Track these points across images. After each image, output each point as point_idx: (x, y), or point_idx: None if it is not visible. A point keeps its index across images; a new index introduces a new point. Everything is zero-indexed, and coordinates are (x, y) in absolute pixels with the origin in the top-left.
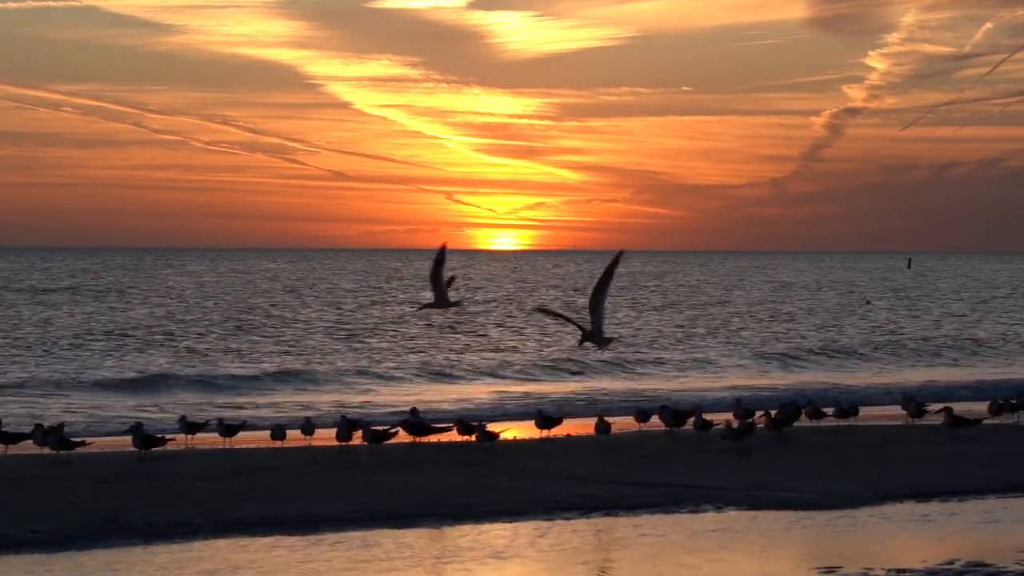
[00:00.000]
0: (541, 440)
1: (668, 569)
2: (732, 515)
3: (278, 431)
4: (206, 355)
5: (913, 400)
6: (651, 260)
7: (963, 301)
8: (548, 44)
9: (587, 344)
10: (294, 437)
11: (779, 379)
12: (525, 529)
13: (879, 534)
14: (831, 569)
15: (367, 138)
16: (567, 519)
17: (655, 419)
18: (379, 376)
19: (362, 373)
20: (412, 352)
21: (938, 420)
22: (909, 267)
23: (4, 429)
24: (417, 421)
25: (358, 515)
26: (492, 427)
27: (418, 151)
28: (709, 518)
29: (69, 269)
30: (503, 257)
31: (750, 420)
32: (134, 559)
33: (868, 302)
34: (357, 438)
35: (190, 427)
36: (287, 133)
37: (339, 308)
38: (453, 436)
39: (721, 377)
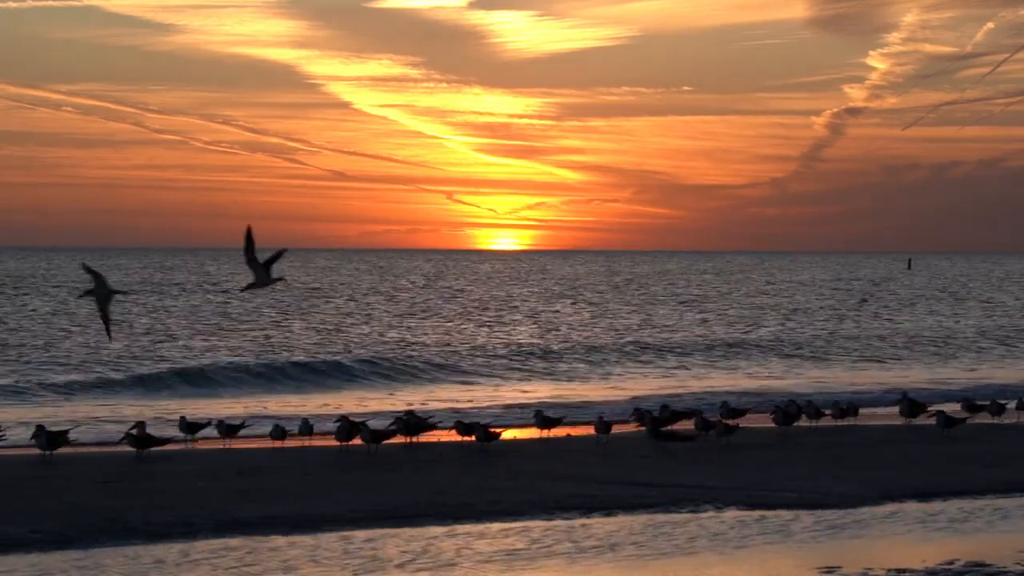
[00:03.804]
0: (541, 440)
1: (668, 569)
2: (732, 515)
3: (278, 431)
4: None
5: (907, 400)
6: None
7: None
8: (548, 44)
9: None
10: (294, 437)
11: None
12: (525, 529)
13: (879, 534)
14: (831, 569)
15: (367, 138)
16: (567, 519)
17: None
18: None
19: None
20: None
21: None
22: (909, 267)
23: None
24: (413, 420)
25: (358, 515)
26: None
27: (418, 151)
28: (709, 518)
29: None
30: (504, 257)
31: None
32: (134, 559)
33: (864, 300)
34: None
35: (190, 427)
36: (287, 133)
37: None
38: (453, 436)
39: None
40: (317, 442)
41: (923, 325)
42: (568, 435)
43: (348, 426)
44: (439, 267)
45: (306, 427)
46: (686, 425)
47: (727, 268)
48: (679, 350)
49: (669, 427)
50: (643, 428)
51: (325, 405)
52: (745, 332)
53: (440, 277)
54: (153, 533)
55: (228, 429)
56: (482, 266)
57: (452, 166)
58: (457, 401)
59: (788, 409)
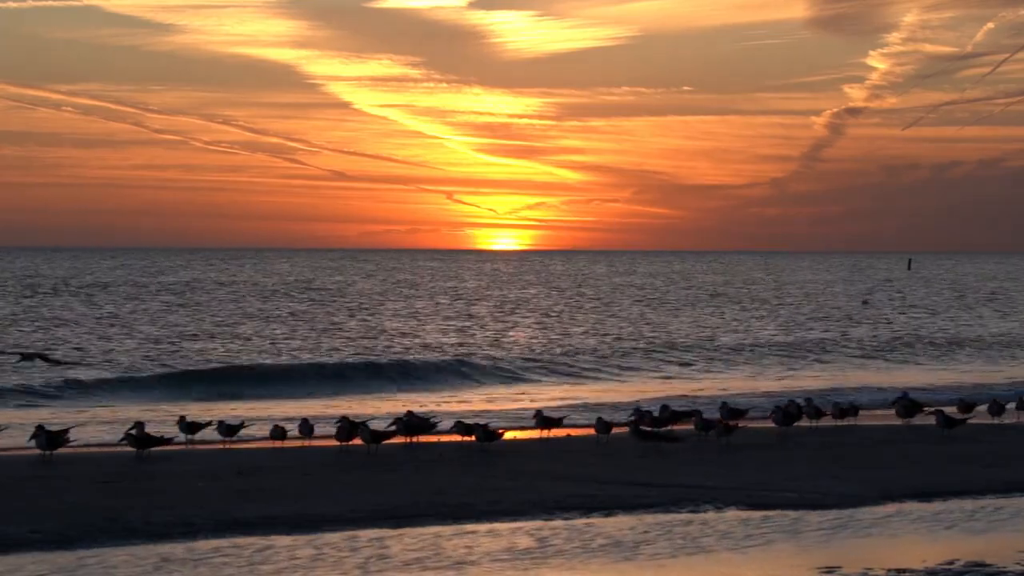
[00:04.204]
0: (541, 440)
1: (668, 569)
2: (732, 515)
3: (278, 431)
4: None
5: (901, 401)
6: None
7: None
8: (548, 44)
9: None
10: (294, 437)
11: None
12: (525, 529)
13: (879, 534)
14: (831, 569)
15: (367, 138)
16: (567, 519)
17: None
18: None
19: None
20: None
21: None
22: (909, 268)
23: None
24: (413, 421)
25: (358, 515)
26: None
27: (418, 151)
28: (709, 518)
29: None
30: (504, 257)
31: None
32: (134, 559)
33: (866, 302)
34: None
35: (190, 427)
36: (287, 133)
37: None
38: (452, 436)
39: None
40: (317, 442)
41: (942, 325)
42: (568, 435)
43: (348, 426)
44: (456, 268)
45: (306, 427)
46: (686, 425)
47: (745, 268)
48: (742, 350)
49: (655, 428)
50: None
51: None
52: (784, 333)
53: (461, 277)
54: (153, 533)
55: (228, 429)
56: (498, 266)
57: (452, 166)
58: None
59: (788, 409)
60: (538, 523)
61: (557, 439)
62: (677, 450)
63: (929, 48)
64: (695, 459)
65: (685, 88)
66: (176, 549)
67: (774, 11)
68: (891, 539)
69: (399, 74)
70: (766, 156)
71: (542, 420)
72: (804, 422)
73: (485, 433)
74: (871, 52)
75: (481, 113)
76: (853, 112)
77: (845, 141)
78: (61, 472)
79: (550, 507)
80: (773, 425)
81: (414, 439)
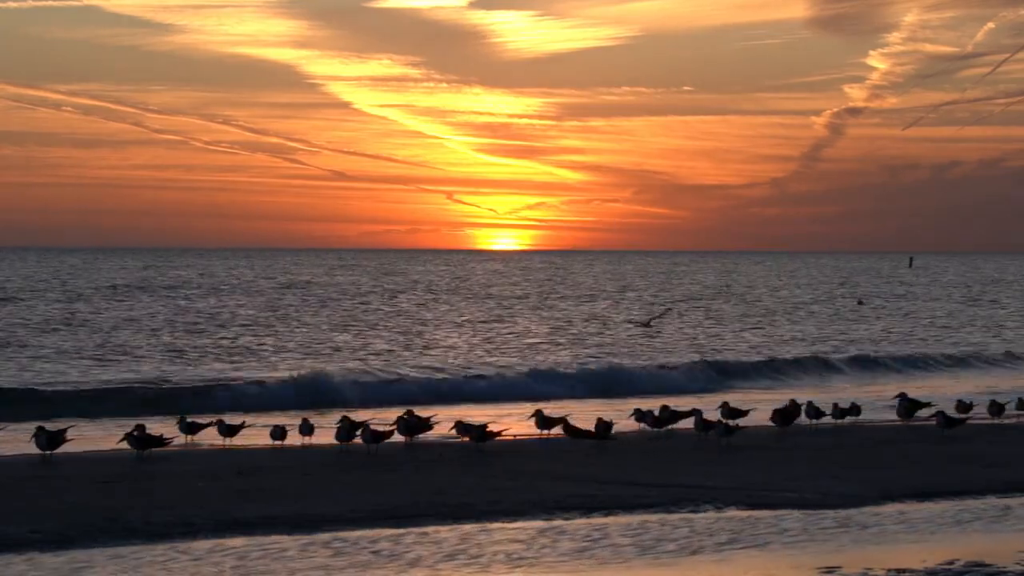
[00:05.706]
0: (541, 440)
1: (668, 569)
2: (732, 515)
3: (278, 431)
4: None
5: (903, 401)
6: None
7: None
8: (548, 44)
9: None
10: (294, 437)
11: None
12: (525, 529)
13: (879, 534)
14: (831, 569)
15: (367, 138)
16: (567, 519)
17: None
18: None
19: None
20: None
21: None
22: (910, 266)
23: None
24: (411, 420)
25: (358, 515)
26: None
27: (418, 151)
28: (709, 518)
29: None
30: (505, 257)
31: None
32: (134, 559)
33: (861, 302)
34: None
35: (190, 427)
36: (287, 133)
37: None
38: (451, 436)
39: None
40: (317, 442)
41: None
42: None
43: (348, 426)
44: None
45: (306, 427)
46: (687, 426)
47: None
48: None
49: (657, 426)
50: (644, 428)
51: None
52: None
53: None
54: (153, 533)
55: (228, 429)
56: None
57: (452, 166)
58: None
59: (788, 409)
60: (538, 523)
61: (557, 439)
62: (676, 450)
63: (929, 48)
64: (695, 459)
65: (685, 88)
66: (176, 549)
67: (774, 11)
68: (891, 539)
69: (399, 74)
70: (766, 156)
71: (542, 420)
72: (804, 421)
73: (480, 433)
74: (871, 52)
75: (481, 113)
76: (853, 112)
77: (845, 141)
78: (61, 472)
79: (550, 507)
80: (773, 425)
81: (413, 439)
